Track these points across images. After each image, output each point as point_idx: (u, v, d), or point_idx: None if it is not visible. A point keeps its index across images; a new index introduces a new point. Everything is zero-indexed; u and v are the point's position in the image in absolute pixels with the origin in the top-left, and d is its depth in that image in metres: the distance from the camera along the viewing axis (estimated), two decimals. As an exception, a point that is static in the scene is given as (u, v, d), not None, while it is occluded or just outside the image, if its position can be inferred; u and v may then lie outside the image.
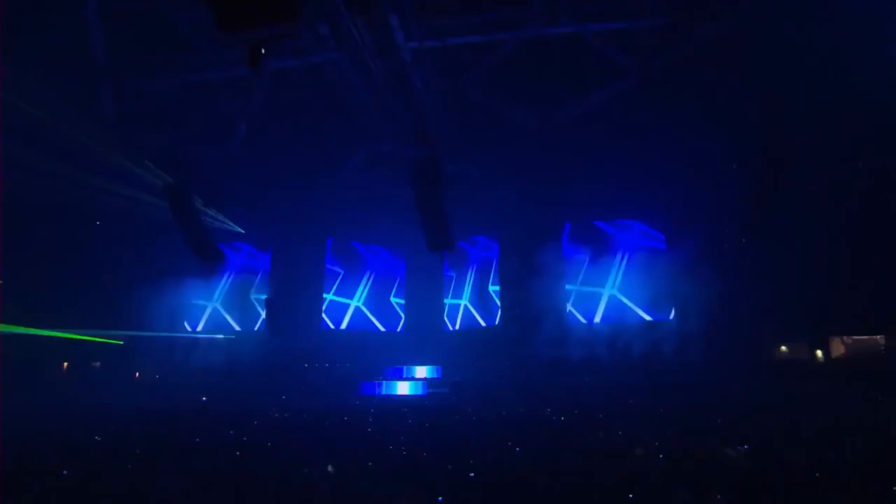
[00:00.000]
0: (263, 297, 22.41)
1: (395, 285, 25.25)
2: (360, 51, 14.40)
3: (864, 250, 16.64)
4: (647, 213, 19.68)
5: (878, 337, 18.28)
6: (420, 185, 11.21)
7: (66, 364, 20.45)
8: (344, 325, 23.60)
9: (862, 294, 16.83)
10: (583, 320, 19.23)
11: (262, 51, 5.46)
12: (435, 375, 20.51)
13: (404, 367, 21.23)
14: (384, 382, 19.92)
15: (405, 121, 14.33)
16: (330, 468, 6.06)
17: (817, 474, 5.96)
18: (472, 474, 5.73)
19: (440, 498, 4.83)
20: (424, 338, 23.47)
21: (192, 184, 14.63)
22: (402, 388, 19.52)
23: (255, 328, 22.72)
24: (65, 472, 5.64)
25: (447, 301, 24.07)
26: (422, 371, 20.84)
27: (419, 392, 18.90)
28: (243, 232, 22.10)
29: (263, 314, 22.07)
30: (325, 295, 23.54)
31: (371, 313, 24.45)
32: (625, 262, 18.72)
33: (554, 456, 6.99)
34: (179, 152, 13.22)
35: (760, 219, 10.76)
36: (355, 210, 23.43)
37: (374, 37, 14.39)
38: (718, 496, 4.96)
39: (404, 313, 24.83)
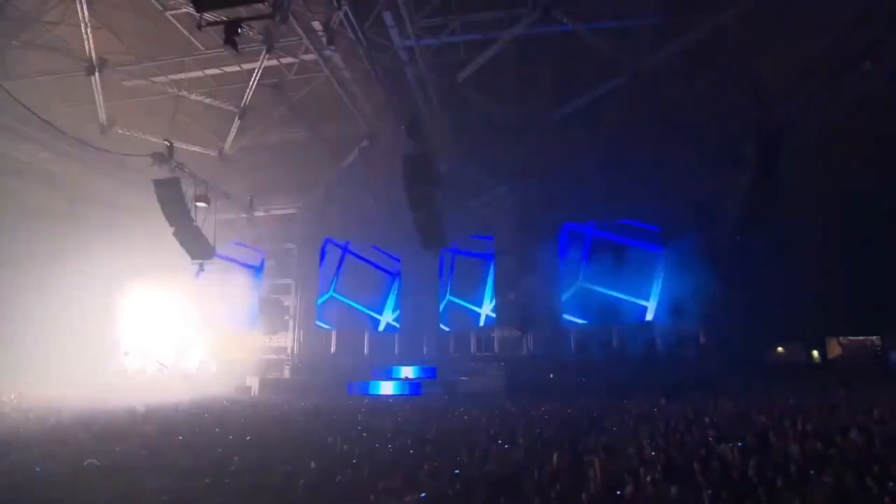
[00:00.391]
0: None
1: (391, 285, 25.11)
2: (354, 49, 14.33)
3: (862, 252, 16.62)
4: (642, 212, 19.62)
5: (874, 338, 18.26)
6: (413, 183, 11.08)
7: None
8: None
9: (858, 295, 16.81)
10: (578, 320, 19.12)
11: (239, 31, 5.35)
12: (428, 375, 20.35)
13: (393, 368, 21.08)
14: (372, 382, 19.79)
15: (399, 118, 14.22)
16: (312, 464, 5.93)
17: (811, 471, 5.85)
18: (456, 471, 5.60)
19: (423, 494, 4.70)
20: (419, 337, 23.36)
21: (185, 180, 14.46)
22: (394, 387, 19.36)
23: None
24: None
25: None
26: (410, 371, 20.70)
27: (413, 392, 18.72)
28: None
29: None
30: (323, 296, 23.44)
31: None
32: (621, 261, 18.56)
33: (544, 454, 6.85)
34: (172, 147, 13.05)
35: (754, 217, 10.68)
36: (351, 210, 23.32)
37: (368, 35, 14.34)
38: (709, 492, 4.84)
39: (400, 313, 24.65)
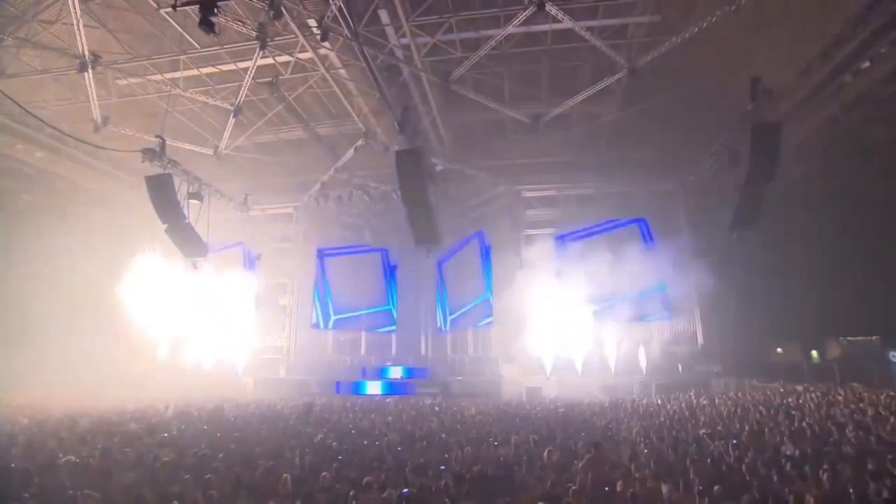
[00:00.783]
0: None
1: (390, 285, 24.91)
2: (350, 47, 14.24)
3: (862, 251, 16.47)
4: (640, 210, 19.43)
5: (874, 338, 18.09)
6: (406, 178, 10.96)
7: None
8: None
9: (858, 295, 16.65)
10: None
11: (215, 10, 5.24)
12: (423, 376, 20.22)
13: (383, 368, 20.99)
14: (363, 382, 19.71)
15: (393, 115, 14.12)
16: (296, 459, 5.81)
17: (807, 467, 5.74)
18: (442, 467, 5.48)
19: (405, 490, 4.58)
20: (417, 338, 23.23)
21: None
22: (387, 388, 19.29)
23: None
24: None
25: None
26: (399, 371, 20.65)
27: (406, 392, 18.58)
28: None
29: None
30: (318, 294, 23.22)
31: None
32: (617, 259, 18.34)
33: (536, 450, 6.74)
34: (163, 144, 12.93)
35: (749, 215, 10.52)
36: (349, 208, 23.18)
37: (365, 33, 14.25)
38: (700, 487, 4.72)
39: (397, 313, 24.47)
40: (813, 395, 11.64)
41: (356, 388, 19.30)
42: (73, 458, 5.57)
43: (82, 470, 5.21)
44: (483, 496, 4.93)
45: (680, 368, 16.59)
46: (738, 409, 10.09)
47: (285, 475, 5.25)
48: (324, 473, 5.47)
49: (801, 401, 10.77)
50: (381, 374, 20.70)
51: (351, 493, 4.71)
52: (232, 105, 17.39)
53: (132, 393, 16.80)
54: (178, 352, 20.86)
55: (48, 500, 4.37)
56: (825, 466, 5.58)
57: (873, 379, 13.75)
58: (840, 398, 10.87)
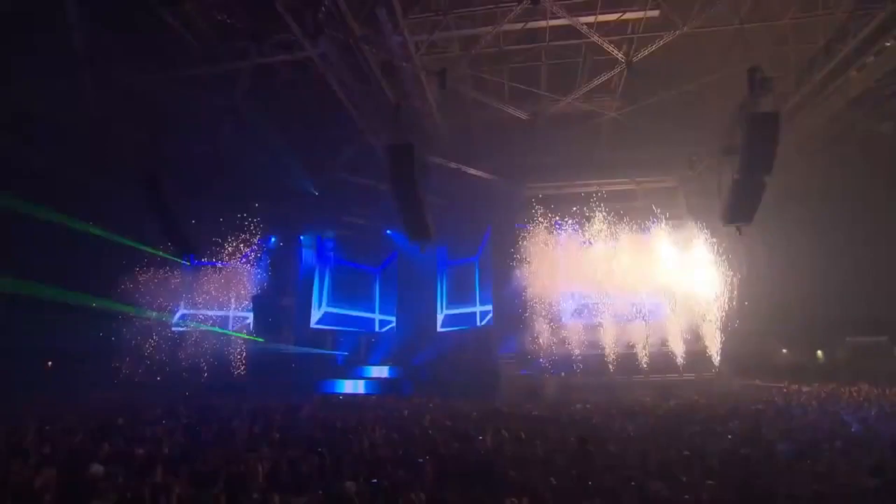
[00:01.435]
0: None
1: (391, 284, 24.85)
2: (349, 45, 14.22)
3: (869, 250, 16.16)
4: (642, 207, 19.19)
5: (883, 337, 17.71)
6: (397, 172, 10.84)
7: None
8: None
9: (866, 294, 16.33)
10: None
11: None
12: (421, 375, 20.09)
13: (365, 367, 20.98)
14: (341, 381, 19.68)
15: (387, 109, 14.08)
16: (276, 452, 5.69)
17: (810, 461, 5.54)
18: (420, 460, 5.33)
19: (374, 480, 4.44)
20: (417, 338, 23.10)
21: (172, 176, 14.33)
22: (373, 387, 19.29)
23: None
24: None
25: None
26: (385, 371, 20.60)
27: (403, 392, 18.47)
28: None
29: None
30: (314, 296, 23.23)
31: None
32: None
33: (522, 446, 6.58)
34: (157, 142, 12.93)
35: (746, 209, 10.26)
36: (349, 207, 23.14)
37: (362, 30, 14.23)
38: (684, 479, 4.53)
39: (396, 313, 24.38)
40: (817, 394, 11.36)
41: (344, 388, 19.32)
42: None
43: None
44: (463, 489, 4.77)
45: (680, 367, 16.33)
46: (738, 408, 9.84)
47: (260, 467, 5.13)
48: (301, 465, 5.35)
49: (802, 399, 10.50)
50: (365, 373, 20.74)
51: (325, 483, 4.58)
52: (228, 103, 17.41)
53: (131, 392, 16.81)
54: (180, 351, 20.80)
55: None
56: (824, 461, 5.39)
57: (881, 378, 13.41)
58: (845, 396, 10.58)
